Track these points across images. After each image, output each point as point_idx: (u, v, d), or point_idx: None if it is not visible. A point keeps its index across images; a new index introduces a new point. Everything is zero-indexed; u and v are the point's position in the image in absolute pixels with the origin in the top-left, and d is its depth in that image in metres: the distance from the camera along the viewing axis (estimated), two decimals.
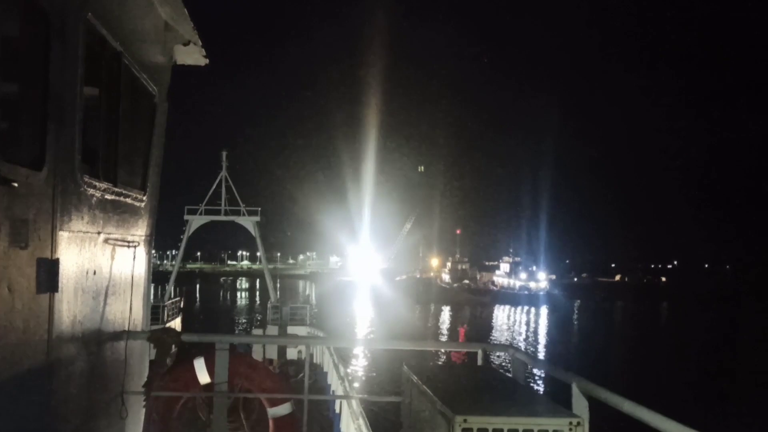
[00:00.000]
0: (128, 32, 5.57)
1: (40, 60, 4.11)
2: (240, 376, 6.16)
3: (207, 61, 7.31)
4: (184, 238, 46.64)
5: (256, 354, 24.00)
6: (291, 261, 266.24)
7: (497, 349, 9.24)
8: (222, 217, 46.83)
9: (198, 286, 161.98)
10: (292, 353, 29.13)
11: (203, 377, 6.19)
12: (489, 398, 4.33)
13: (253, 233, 47.05)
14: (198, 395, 6.44)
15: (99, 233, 5.01)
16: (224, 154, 47.59)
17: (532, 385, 33.39)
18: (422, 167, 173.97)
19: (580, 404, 4.38)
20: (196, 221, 46.25)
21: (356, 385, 36.85)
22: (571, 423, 3.88)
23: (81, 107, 4.59)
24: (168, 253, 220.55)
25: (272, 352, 26.41)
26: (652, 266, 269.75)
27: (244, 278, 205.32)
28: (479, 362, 6.13)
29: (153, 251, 6.82)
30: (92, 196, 4.85)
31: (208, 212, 46.81)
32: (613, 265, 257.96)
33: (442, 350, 42.77)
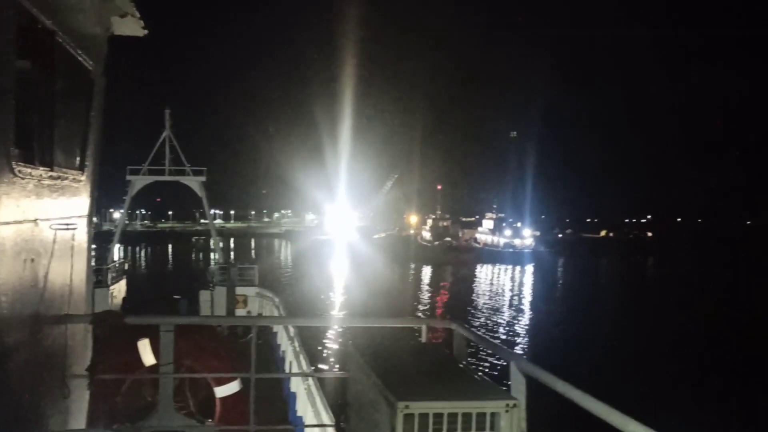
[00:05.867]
0: (61, 6, 5.45)
1: None
2: (186, 356, 6.19)
3: (146, 32, 7.23)
4: (127, 198, 45.09)
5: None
6: (266, 219, 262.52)
7: (440, 324, 7.38)
8: (166, 177, 45.54)
9: (170, 246, 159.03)
10: (243, 317, 29.01)
11: (148, 358, 6.19)
12: (431, 381, 4.40)
13: (198, 193, 45.59)
14: (143, 377, 6.34)
15: (36, 220, 4.99)
16: (167, 112, 46.30)
17: (482, 355, 34.03)
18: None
19: (518, 384, 4.45)
20: (139, 181, 44.77)
21: (322, 365, 35.91)
22: (507, 405, 4.00)
23: (14, 93, 4.50)
24: (138, 212, 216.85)
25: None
26: (626, 220, 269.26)
27: (218, 237, 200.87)
28: (423, 338, 6.21)
29: (95, 222, 6.91)
30: (28, 183, 4.80)
31: (152, 172, 45.36)
32: (588, 220, 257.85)
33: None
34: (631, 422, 3.33)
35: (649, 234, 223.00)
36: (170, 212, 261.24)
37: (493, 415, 4.05)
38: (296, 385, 13.27)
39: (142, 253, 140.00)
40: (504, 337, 49.75)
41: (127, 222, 64.22)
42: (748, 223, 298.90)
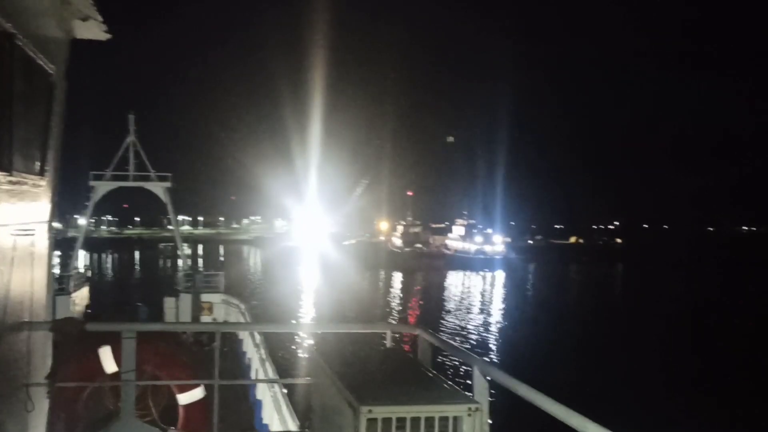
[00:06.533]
0: (20, 9, 5.36)
1: None
2: (148, 364, 6.14)
3: (109, 36, 7.17)
4: (90, 204, 44.39)
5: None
6: (235, 226, 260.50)
7: (405, 330, 8.82)
8: (130, 183, 45.24)
9: (137, 253, 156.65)
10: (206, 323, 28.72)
11: (109, 366, 6.16)
12: (394, 385, 4.44)
13: (163, 199, 45.10)
14: (104, 384, 6.28)
15: None
16: (131, 117, 45.86)
17: (448, 360, 33.79)
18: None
19: (480, 387, 4.49)
20: (102, 187, 44.20)
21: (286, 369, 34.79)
22: (470, 408, 4.05)
23: None
24: (104, 218, 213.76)
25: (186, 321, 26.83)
26: (594, 227, 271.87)
27: (185, 244, 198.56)
28: (388, 343, 6.21)
29: (57, 226, 6.79)
30: None
31: (116, 178, 44.97)
32: (556, 226, 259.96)
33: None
34: (591, 424, 3.39)
35: (618, 240, 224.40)
36: (137, 218, 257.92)
37: (455, 419, 4.08)
38: (262, 392, 13.19)
39: (108, 260, 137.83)
40: (473, 342, 49.99)
41: (92, 228, 63.68)
42: (710, 229, 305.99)
